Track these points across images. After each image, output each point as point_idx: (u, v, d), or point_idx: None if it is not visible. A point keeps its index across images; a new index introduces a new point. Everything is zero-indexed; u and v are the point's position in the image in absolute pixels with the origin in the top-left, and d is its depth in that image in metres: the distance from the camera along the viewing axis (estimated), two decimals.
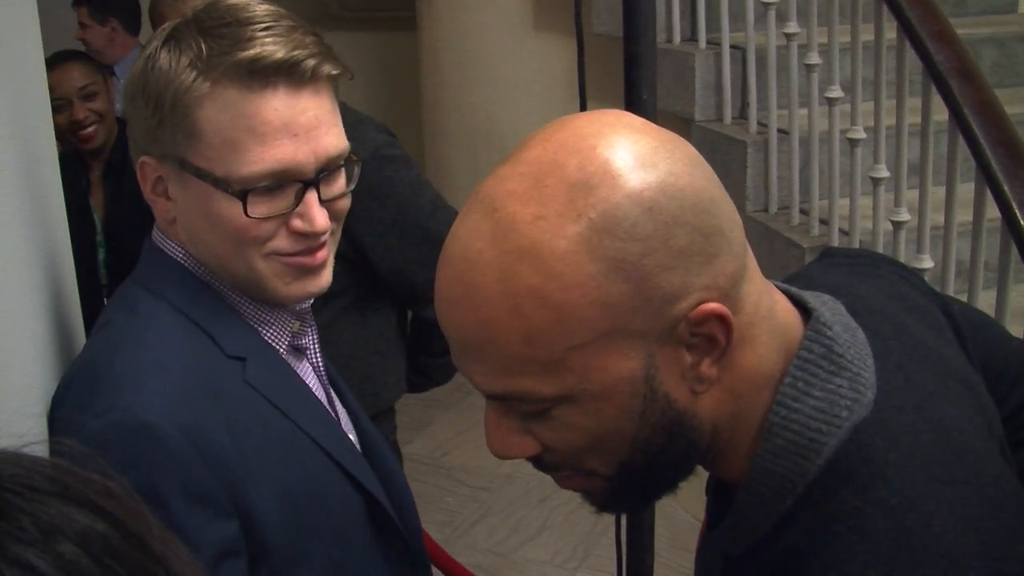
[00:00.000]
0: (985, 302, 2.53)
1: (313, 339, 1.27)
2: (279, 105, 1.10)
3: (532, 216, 0.82)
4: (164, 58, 1.11)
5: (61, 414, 1.08)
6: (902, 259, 2.67)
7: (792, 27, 2.99)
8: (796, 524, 0.88)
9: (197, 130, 1.10)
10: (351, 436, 1.30)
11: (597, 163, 0.83)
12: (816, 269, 1.10)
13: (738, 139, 3.21)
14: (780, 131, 3.11)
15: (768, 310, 0.91)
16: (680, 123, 3.38)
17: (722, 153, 3.24)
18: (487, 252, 0.83)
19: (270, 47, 1.09)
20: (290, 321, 1.22)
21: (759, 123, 3.23)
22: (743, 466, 0.92)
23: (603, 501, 0.97)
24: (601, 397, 0.86)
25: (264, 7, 1.14)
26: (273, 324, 1.20)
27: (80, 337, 1.32)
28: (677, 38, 3.44)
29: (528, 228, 0.82)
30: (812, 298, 0.95)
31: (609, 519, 3.12)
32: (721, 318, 0.84)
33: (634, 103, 1.68)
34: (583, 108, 1.71)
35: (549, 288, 0.82)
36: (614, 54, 1.94)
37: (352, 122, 2.07)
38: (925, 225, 2.59)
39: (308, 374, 1.26)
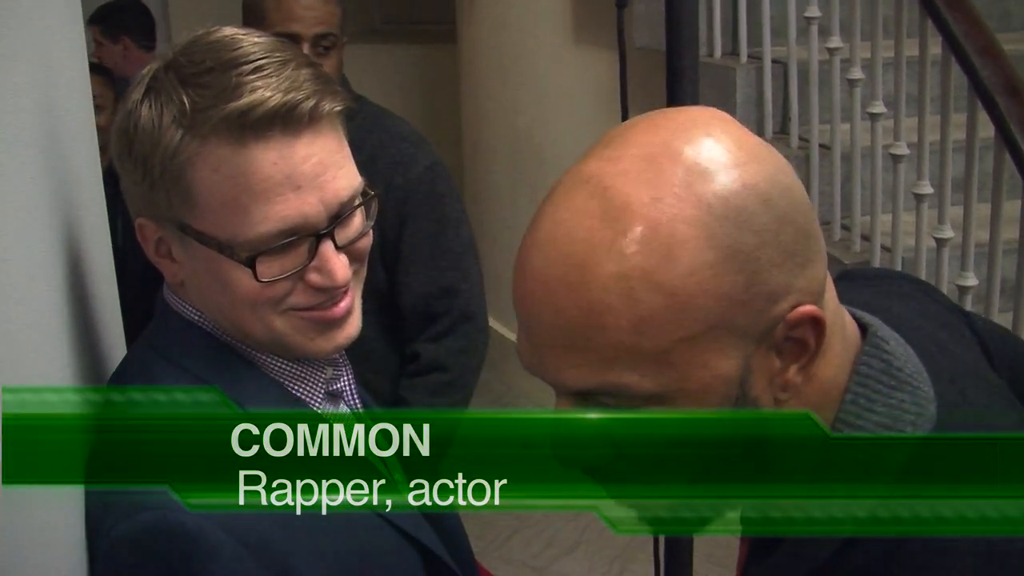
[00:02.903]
0: None
1: (348, 379, 1.18)
2: (277, 157, 1.01)
3: (649, 197, 0.79)
4: (145, 115, 1.02)
5: (90, 505, 1.02)
6: (945, 276, 2.65)
7: (835, 42, 2.98)
8: (863, 546, 0.85)
9: (192, 193, 1.01)
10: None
11: (713, 150, 0.81)
12: (839, 291, 1.08)
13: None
14: (822, 146, 3.09)
15: (841, 321, 0.89)
16: None
17: None
18: (600, 232, 0.80)
19: (260, 93, 0.99)
20: (322, 369, 1.14)
21: (801, 138, 3.20)
22: None
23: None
24: (695, 397, 0.82)
25: (252, 39, 1.04)
26: (304, 378, 1.12)
27: (120, 343, 1.32)
28: (718, 52, 3.42)
29: (646, 209, 0.79)
30: (863, 314, 0.93)
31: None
32: (816, 321, 0.83)
33: None
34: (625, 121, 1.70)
35: (666, 273, 0.79)
36: (654, 67, 1.94)
37: (417, 139, 2.11)
38: (969, 242, 2.57)
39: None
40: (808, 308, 0.82)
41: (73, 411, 1.08)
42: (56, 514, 0.99)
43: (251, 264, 1.02)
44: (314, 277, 1.05)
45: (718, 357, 0.81)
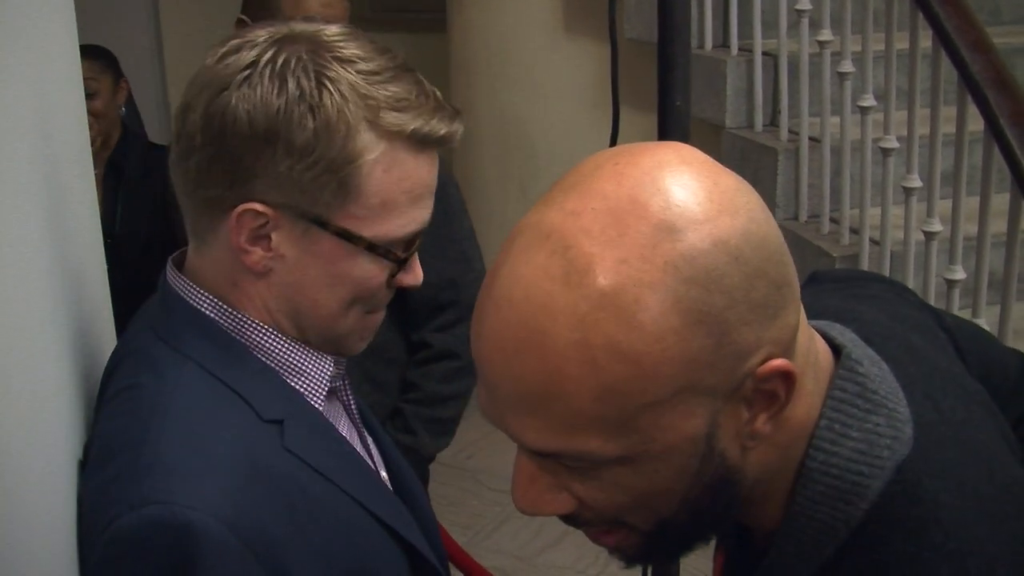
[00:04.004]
0: (1018, 314, 2.51)
1: (344, 379, 1.20)
2: (430, 167, 1.09)
3: (613, 260, 0.75)
4: (329, 106, 1.01)
5: (89, 495, 1.01)
6: (933, 270, 2.65)
7: (825, 34, 2.98)
8: (842, 573, 0.84)
9: (355, 189, 1.04)
10: (382, 472, 1.24)
11: (681, 204, 0.76)
12: (807, 296, 0.98)
13: (769, 146, 3.19)
14: (811, 139, 3.10)
15: (814, 356, 0.87)
16: (710, 130, 3.36)
17: (752, 160, 3.23)
18: (561, 296, 0.75)
19: (437, 116, 1.06)
20: (327, 366, 1.13)
21: (790, 131, 3.21)
22: (776, 512, 0.88)
23: (635, 555, 0.91)
24: (661, 457, 0.80)
25: (374, 44, 1.07)
26: (308, 373, 1.12)
27: (110, 331, 1.32)
28: (709, 44, 3.42)
29: (609, 272, 0.75)
30: (835, 332, 0.91)
31: None
32: (786, 375, 0.80)
33: (667, 108, 1.67)
34: (616, 113, 1.70)
35: (630, 340, 0.75)
36: (644, 59, 1.94)
37: None
38: (958, 236, 2.57)
39: (340, 416, 1.20)
40: (778, 363, 0.79)
41: (69, 399, 1.08)
42: (46, 500, 0.99)
43: (402, 262, 1.09)
44: (403, 278, 1.11)
45: (684, 418, 0.79)
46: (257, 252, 1.05)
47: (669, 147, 0.82)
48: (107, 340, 1.29)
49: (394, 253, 1.08)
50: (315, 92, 1.01)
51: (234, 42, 1.05)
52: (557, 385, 0.76)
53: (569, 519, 0.88)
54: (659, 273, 0.75)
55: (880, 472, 0.84)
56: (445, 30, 4.83)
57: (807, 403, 0.86)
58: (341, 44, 1.05)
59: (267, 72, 1.01)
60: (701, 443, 0.80)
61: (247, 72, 1.02)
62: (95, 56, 3.22)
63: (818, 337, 0.90)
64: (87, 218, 1.29)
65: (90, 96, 3.08)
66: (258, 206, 1.03)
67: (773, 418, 0.82)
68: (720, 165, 0.82)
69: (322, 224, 1.04)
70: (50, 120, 1.14)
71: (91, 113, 3.08)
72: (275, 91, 1.01)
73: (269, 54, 1.02)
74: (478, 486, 3.92)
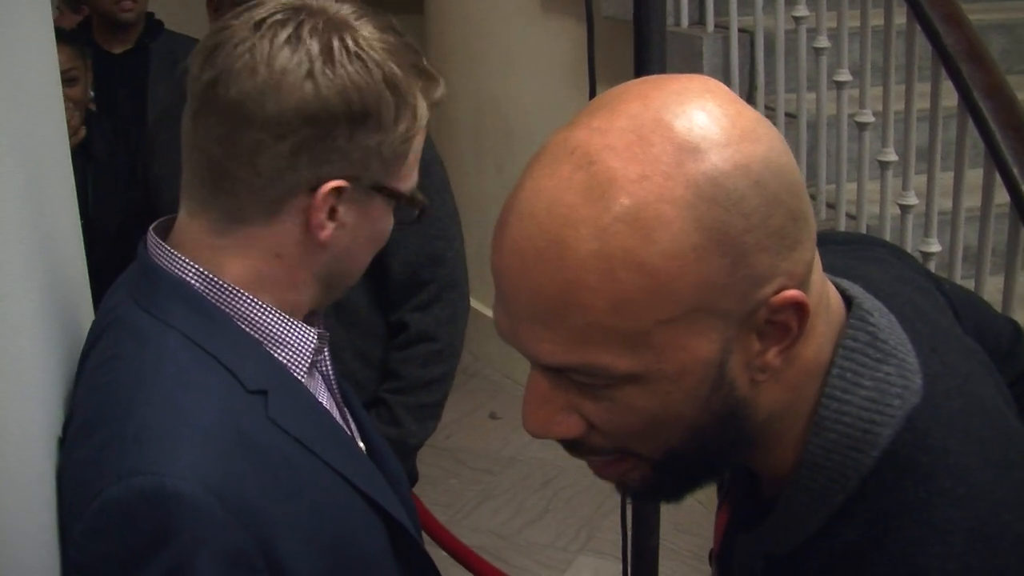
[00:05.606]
0: (993, 287, 2.52)
1: (324, 353, 1.21)
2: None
3: (636, 175, 0.76)
4: (399, 76, 1.08)
5: (73, 467, 1.02)
6: (909, 243, 2.67)
7: (801, 10, 2.98)
8: (852, 520, 0.85)
9: (405, 152, 1.12)
10: (360, 445, 1.26)
11: (705, 127, 0.78)
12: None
13: None
14: (788, 115, 3.10)
15: (827, 300, 0.88)
16: None
17: None
18: (582, 208, 0.76)
19: (438, 83, 1.15)
20: (311, 339, 1.14)
21: (767, 107, 3.21)
22: (786, 460, 0.89)
23: (642, 489, 0.92)
24: (672, 379, 0.81)
25: (382, 20, 1.14)
26: (291, 344, 1.12)
27: (88, 312, 1.31)
28: (685, 21, 3.42)
29: (632, 187, 0.76)
30: (845, 284, 0.93)
31: (613, 502, 3.10)
32: (799, 306, 0.81)
33: None
34: (592, 91, 1.70)
35: (648, 253, 0.76)
36: (622, 37, 1.94)
37: None
38: (933, 210, 2.59)
39: (320, 389, 1.20)
40: (792, 293, 0.80)
41: (47, 375, 1.07)
42: (25, 474, 0.98)
43: (423, 212, 1.17)
44: None
45: (697, 339, 0.80)
46: (328, 227, 1.09)
47: (695, 77, 0.84)
48: (85, 318, 1.28)
49: (420, 202, 1.15)
50: (388, 68, 1.07)
51: (285, 33, 1.05)
52: (574, 295, 0.77)
53: (576, 445, 0.88)
54: (681, 191, 0.76)
55: (891, 420, 0.85)
56: (422, 11, 4.81)
57: (818, 344, 0.87)
58: (361, 23, 1.09)
59: (344, 55, 1.05)
60: (713, 368, 0.81)
61: (323, 58, 1.04)
62: (71, 41, 3.17)
63: (831, 285, 0.91)
64: (63, 196, 1.29)
65: (73, 83, 3.05)
66: (339, 183, 1.06)
67: (784, 352, 0.83)
68: (743, 101, 0.84)
69: (377, 187, 1.10)
70: (23, 99, 1.13)
71: (71, 100, 3.05)
72: (358, 71, 1.05)
73: (336, 39, 1.05)
74: (458, 465, 3.93)
